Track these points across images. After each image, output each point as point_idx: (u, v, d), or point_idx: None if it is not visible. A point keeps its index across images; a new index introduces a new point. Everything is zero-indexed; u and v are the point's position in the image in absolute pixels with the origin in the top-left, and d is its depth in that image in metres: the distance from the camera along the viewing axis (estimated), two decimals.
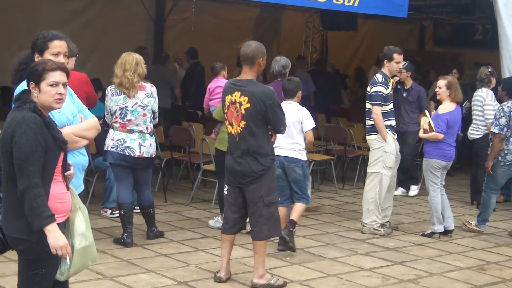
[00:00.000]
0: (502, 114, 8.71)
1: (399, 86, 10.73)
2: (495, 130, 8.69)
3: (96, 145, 8.79)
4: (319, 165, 11.53)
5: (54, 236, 4.07)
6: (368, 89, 8.65)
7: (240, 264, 7.12)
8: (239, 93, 6.24)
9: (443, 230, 8.62)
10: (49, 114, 4.58)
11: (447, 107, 8.41)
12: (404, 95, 10.87)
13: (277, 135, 7.01)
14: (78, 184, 4.95)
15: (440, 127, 8.30)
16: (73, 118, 4.87)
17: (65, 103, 4.84)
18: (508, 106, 8.74)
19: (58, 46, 4.85)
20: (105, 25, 15.47)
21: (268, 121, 6.24)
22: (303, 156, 7.80)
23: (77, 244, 4.23)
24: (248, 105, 6.16)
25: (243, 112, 6.18)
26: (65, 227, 4.28)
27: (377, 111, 8.48)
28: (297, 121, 7.68)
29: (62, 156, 4.26)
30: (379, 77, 8.59)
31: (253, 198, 6.33)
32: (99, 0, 15.63)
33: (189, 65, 14.01)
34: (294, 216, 7.79)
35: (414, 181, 11.37)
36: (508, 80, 9.53)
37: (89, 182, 9.46)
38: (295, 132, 7.68)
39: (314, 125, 7.82)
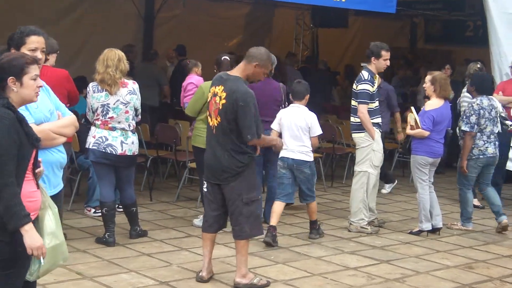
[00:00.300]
0: (472, 112, 8.62)
1: None
2: (465, 128, 8.61)
3: (80, 143, 8.66)
4: None
5: (31, 236, 3.98)
6: (354, 86, 8.53)
7: (223, 264, 7.01)
8: (222, 87, 6.13)
9: (431, 228, 8.51)
10: (26, 110, 4.49)
11: (433, 103, 8.31)
12: None
13: (283, 136, 7.62)
14: (57, 182, 4.85)
15: (425, 124, 8.20)
16: (50, 115, 4.76)
17: (42, 99, 4.74)
18: (477, 104, 8.67)
19: (35, 41, 4.73)
20: (94, 22, 15.30)
21: (238, 123, 6.06)
22: (310, 157, 8.05)
23: (47, 243, 4.11)
24: (224, 101, 6.05)
25: (220, 107, 6.07)
26: (35, 225, 4.15)
27: (363, 109, 8.36)
28: (306, 126, 7.94)
29: (34, 153, 4.15)
30: (365, 74, 8.47)
31: (232, 196, 6.21)
32: None
33: (178, 62, 13.86)
34: (313, 216, 8.25)
35: (386, 180, 11.25)
36: (477, 75, 9.39)
37: (73, 181, 9.35)
38: (304, 136, 7.94)
39: (321, 132, 8.10)
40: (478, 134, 8.64)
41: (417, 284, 6.72)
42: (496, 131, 8.78)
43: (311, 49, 19.27)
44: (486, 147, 8.67)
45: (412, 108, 8.52)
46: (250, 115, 6.02)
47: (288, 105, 8.64)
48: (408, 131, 8.45)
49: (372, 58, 8.57)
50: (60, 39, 13.74)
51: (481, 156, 8.69)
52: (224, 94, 6.05)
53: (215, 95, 6.16)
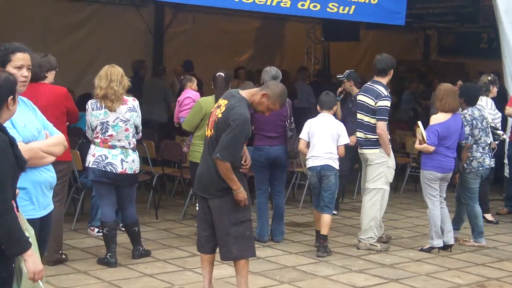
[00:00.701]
0: (465, 123, 8.45)
1: (338, 98, 10.18)
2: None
3: (82, 162, 8.49)
4: None
5: (34, 261, 3.94)
6: (370, 101, 8.23)
7: (227, 284, 6.82)
8: (227, 101, 5.93)
9: (442, 245, 8.27)
10: (14, 128, 4.37)
11: (438, 117, 8.10)
12: (350, 106, 10.17)
13: (313, 144, 7.77)
14: (46, 203, 4.67)
15: (430, 139, 7.99)
16: (38, 133, 4.62)
17: (29, 118, 4.60)
18: (469, 115, 8.53)
19: (21, 58, 4.59)
20: (103, 38, 15.28)
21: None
22: (337, 165, 8.21)
23: (25, 268, 3.95)
24: (221, 115, 5.86)
25: (216, 120, 5.88)
26: None
27: (383, 126, 8.14)
28: (336, 133, 8.18)
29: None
30: (382, 89, 8.24)
31: (219, 215, 5.96)
32: (97, 14, 15.47)
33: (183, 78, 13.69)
34: (324, 230, 8.07)
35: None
36: (464, 87, 9.17)
37: (76, 200, 9.20)
38: (332, 144, 8.15)
39: (348, 141, 8.29)
40: (474, 146, 8.50)
41: None
42: (489, 142, 8.69)
43: (323, 63, 19.10)
44: (484, 159, 8.55)
45: (419, 122, 8.30)
46: (233, 138, 5.75)
47: (293, 120, 8.48)
48: (416, 145, 8.24)
49: (391, 71, 8.39)
50: (68, 55, 13.85)
51: (480, 168, 8.55)
52: (223, 109, 5.86)
53: (218, 106, 5.98)
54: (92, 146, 7.29)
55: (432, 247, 8.29)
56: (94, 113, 7.18)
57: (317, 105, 8.50)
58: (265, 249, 8.23)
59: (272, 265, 7.59)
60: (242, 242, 5.99)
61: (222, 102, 5.94)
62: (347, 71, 10.29)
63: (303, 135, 8.30)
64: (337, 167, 8.20)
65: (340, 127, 8.23)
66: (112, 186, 7.28)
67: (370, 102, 8.23)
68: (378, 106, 8.18)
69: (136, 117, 7.28)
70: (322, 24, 18.51)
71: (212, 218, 6.04)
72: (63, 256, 7.36)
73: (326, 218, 8.10)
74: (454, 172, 8.30)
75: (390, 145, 8.30)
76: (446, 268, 7.70)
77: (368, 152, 8.32)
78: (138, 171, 7.39)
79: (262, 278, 7.11)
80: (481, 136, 8.55)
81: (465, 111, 8.60)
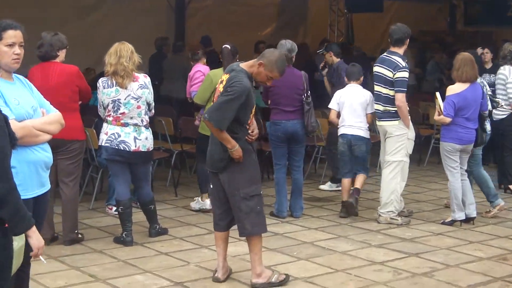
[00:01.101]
0: None
1: (322, 73, 10.49)
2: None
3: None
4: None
5: (38, 237, 3.96)
6: (387, 73, 8.05)
7: (242, 261, 6.71)
8: (228, 75, 5.85)
9: (464, 218, 8.12)
10: (6, 106, 4.30)
11: (454, 88, 7.91)
12: (333, 76, 10.23)
13: (343, 114, 8.18)
14: (41, 183, 4.55)
15: (446, 110, 7.81)
16: (33, 112, 4.51)
17: (24, 96, 4.51)
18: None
19: (12, 36, 4.47)
20: (124, 16, 15.16)
21: None
22: (367, 134, 8.62)
23: (15, 245, 3.90)
24: (222, 89, 5.79)
25: (219, 94, 5.81)
26: None
27: (402, 98, 7.97)
28: (365, 102, 8.54)
29: None
30: (400, 60, 8.06)
31: (230, 190, 5.89)
32: None
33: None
34: (358, 184, 8.51)
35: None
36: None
37: (94, 179, 9.16)
38: (361, 112, 8.53)
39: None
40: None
41: (446, 278, 6.35)
42: (488, 109, 8.51)
43: (346, 35, 18.84)
44: (486, 125, 8.34)
45: (437, 93, 8.11)
46: (225, 101, 5.65)
47: (310, 94, 8.34)
48: (435, 117, 8.07)
49: (407, 41, 8.20)
50: (91, 33, 13.81)
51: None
52: (225, 82, 5.78)
53: (221, 82, 5.89)
54: (104, 124, 7.21)
55: (454, 220, 8.14)
56: (106, 91, 7.09)
57: (345, 77, 8.97)
58: (284, 225, 8.13)
59: (290, 241, 7.49)
60: (253, 217, 5.91)
61: (224, 76, 5.87)
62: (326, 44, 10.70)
63: (333, 105, 8.72)
64: (368, 136, 8.62)
65: (368, 96, 8.54)
66: (126, 164, 7.20)
67: (388, 73, 8.05)
68: (396, 78, 8.00)
69: (148, 94, 7.18)
70: None
71: (224, 195, 5.96)
72: (79, 236, 7.32)
73: (361, 176, 8.57)
74: (477, 143, 8.11)
75: (409, 117, 8.13)
76: (468, 242, 7.54)
77: (387, 124, 8.16)
78: (151, 149, 7.29)
79: (279, 254, 7.01)
80: None
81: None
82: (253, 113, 5.93)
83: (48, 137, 4.52)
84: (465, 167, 8.18)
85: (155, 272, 6.41)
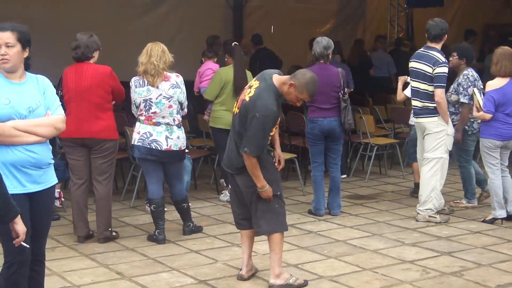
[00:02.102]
0: (469, 84, 8.24)
1: None
2: (464, 100, 8.25)
3: None
4: (384, 149, 10.95)
5: (21, 223, 4.17)
6: (426, 68, 7.91)
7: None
8: (258, 83, 5.75)
9: (505, 216, 7.93)
10: None
11: (494, 83, 7.72)
12: None
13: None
14: (31, 181, 4.57)
15: (486, 106, 7.64)
16: (28, 113, 4.53)
17: (22, 97, 4.57)
18: (471, 75, 8.33)
19: None
20: (183, 15, 15.33)
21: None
22: None
23: None
24: (248, 99, 5.68)
25: (246, 99, 5.70)
26: None
27: (442, 93, 7.85)
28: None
29: None
30: (440, 56, 7.92)
31: (245, 189, 5.87)
32: None
33: (254, 51, 13.57)
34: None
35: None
36: (463, 47, 8.82)
37: (135, 177, 9.28)
38: None
39: None
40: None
41: (475, 278, 6.21)
42: None
43: (406, 31, 18.60)
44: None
45: (475, 89, 7.93)
46: (258, 131, 5.60)
47: (345, 90, 8.27)
48: (474, 113, 7.89)
49: (445, 36, 8.06)
50: (148, 33, 13.98)
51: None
52: (253, 92, 5.70)
53: (249, 86, 5.83)
54: (137, 123, 7.30)
55: (494, 218, 7.96)
56: (138, 90, 7.18)
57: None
58: (320, 223, 8.10)
59: (323, 239, 7.45)
60: (270, 216, 5.86)
61: (254, 83, 5.77)
62: None
63: (407, 92, 8.63)
64: None
65: None
66: (158, 163, 7.27)
67: (427, 69, 7.92)
68: (436, 73, 7.87)
69: (180, 94, 7.23)
70: None
71: (241, 194, 5.96)
72: (114, 233, 7.43)
73: None
74: None
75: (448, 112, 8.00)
76: (506, 240, 7.37)
77: (426, 121, 8.03)
78: (184, 148, 7.34)
79: (309, 252, 6.98)
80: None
81: (467, 71, 8.37)
82: (277, 126, 5.89)
83: (33, 138, 4.51)
84: (506, 163, 7.99)
85: (181, 270, 6.46)
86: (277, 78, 5.75)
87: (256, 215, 5.90)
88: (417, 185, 8.96)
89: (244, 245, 6.20)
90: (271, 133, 5.82)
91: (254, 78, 5.94)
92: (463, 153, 8.45)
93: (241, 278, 6.18)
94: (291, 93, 5.70)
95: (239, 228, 6.20)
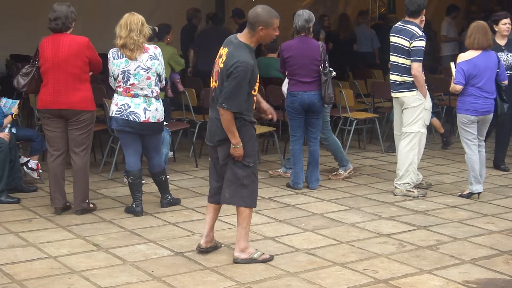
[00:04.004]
0: None
1: None
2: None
3: None
4: (363, 123, 10.96)
5: None
6: (404, 42, 7.93)
7: (252, 233, 6.68)
8: (227, 49, 5.76)
9: (482, 190, 7.99)
10: None
11: (465, 55, 7.77)
12: None
13: None
14: None
15: (456, 77, 7.66)
16: None
17: None
18: None
19: None
20: None
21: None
22: None
23: None
24: (222, 65, 5.68)
25: (219, 70, 5.72)
26: None
27: (418, 67, 7.86)
28: None
29: None
30: (417, 30, 7.92)
31: (222, 161, 5.86)
32: None
33: (238, 26, 13.50)
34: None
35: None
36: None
37: (113, 149, 9.25)
38: None
39: None
40: None
41: (451, 252, 6.26)
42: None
43: (388, 5, 18.55)
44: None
45: (452, 63, 7.95)
46: (236, 86, 5.57)
47: (327, 64, 8.25)
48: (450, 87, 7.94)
49: (424, 11, 8.05)
50: (127, 6, 13.87)
51: None
52: (224, 58, 5.69)
53: (220, 56, 5.82)
54: (115, 95, 7.25)
55: (471, 192, 8.01)
56: (115, 62, 7.13)
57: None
58: (298, 196, 8.11)
59: (301, 213, 7.46)
60: (235, 188, 5.83)
61: (223, 50, 5.76)
62: None
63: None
64: None
65: None
66: (137, 135, 7.23)
67: (405, 43, 7.92)
68: (413, 47, 7.87)
69: (158, 65, 7.18)
70: None
71: (221, 169, 5.94)
72: (91, 205, 7.41)
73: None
74: (496, 113, 7.95)
75: (426, 86, 8.00)
76: (482, 215, 7.42)
77: (404, 95, 8.04)
78: (162, 120, 7.30)
79: (286, 225, 7.00)
80: None
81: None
82: (258, 82, 5.84)
83: None
84: (483, 138, 8.04)
85: (158, 242, 6.46)
86: (242, 35, 5.75)
87: (224, 183, 5.89)
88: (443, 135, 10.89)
89: (208, 216, 6.15)
90: (254, 93, 5.79)
91: (221, 47, 5.89)
92: (324, 125, 8.66)
93: (199, 247, 6.15)
94: (266, 34, 5.69)
95: (209, 201, 6.13)
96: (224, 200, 5.93)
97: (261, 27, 5.66)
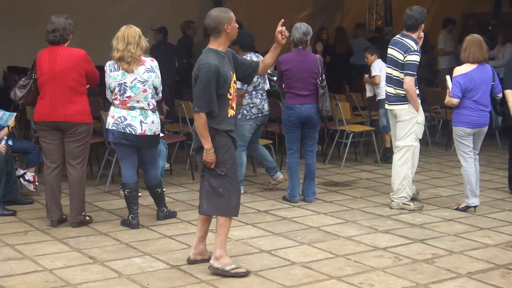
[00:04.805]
0: None
1: None
2: None
3: None
4: (360, 136, 10.98)
5: None
6: (398, 55, 7.97)
7: (245, 245, 6.72)
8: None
9: (478, 204, 7.99)
10: None
11: (461, 69, 7.79)
12: None
13: None
14: None
15: (452, 91, 7.69)
16: None
17: None
18: None
19: None
20: (161, 1, 15.28)
21: None
22: None
23: None
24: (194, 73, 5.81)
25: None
26: None
27: (410, 81, 7.87)
28: None
29: None
30: (412, 44, 7.95)
31: (201, 169, 5.91)
32: None
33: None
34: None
35: None
36: None
37: (110, 162, 9.24)
38: None
39: None
40: (254, 92, 8.51)
41: (447, 266, 6.25)
42: (266, 88, 8.74)
43: (385, 18, 18.62)
44: (263, 105, 8.61)
45: (447, 76, 7.97)
46: (204, 87, 5.66)
47: (324, 77, 8.26)
48: (446, 100, 7.95)
49: (422, 25, 8.08)
50: (124, 19, 13.93)
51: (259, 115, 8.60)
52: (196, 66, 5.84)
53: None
54: (111, 107, 7.25)
55: (467, 206, 8.01)
56: (112, 74, 7.13)
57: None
58: (294, 210, 8.11)
59: (297, 226, 7.46)
60: (211, 197, 5.85)
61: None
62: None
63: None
64: None
65: None
66: (133, 147, 7.23)
67: (399, 56, 7.96)
68: (406, 61, 7.90)
69: (155, 78, 7.19)
70: None
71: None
72: (87, 218, 7.40)
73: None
74: (491, 127, 7.97)
75: (419, 100, 8.01)
76: (478, 228, 7.42)
77: (397, 108, 8.06)
78: (158, 133, 7.31)
79: (282, 239, 6.99)
80: (259, 82, 8.55)
81: None
82: (233, 81, 5.86)
83: None
84: (477, 151, 8.06)
85: (154, 255, 6.45)
86: (211, 43, 5.85)
87: (202, 194, 5.95)
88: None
89: (197, 228, 6.18)
90: (229, 96, 5.82)
91: None
92: (254, 134, 8.71)
93: (188, 259, 6.19)
94: (231, 28, 5.79)
95: (199, 212, 6.12)
96: (203, 210, 5.96)
97: (225, 24, 5.76)
